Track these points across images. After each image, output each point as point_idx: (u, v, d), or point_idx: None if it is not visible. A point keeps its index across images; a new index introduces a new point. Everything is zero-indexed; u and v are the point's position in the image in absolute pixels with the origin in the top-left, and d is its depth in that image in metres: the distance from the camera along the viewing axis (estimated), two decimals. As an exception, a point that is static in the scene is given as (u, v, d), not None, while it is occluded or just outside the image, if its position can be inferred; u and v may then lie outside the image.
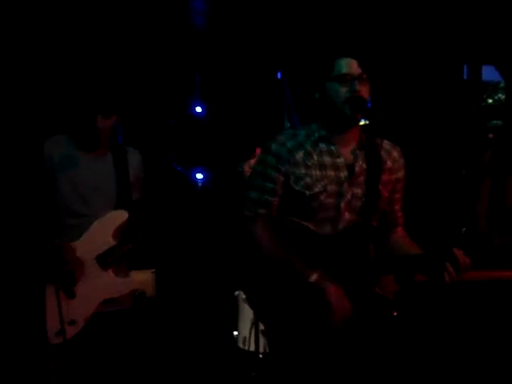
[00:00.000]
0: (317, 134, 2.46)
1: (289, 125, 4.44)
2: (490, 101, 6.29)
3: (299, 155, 2.43)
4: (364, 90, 2.37)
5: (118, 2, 4.27)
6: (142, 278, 3.07)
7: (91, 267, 2.67)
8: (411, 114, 4.46)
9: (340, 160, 2.45)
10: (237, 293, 3.74)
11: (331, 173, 2.43)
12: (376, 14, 4.33)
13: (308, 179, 2.42)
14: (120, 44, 4.44)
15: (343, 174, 2.44)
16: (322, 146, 2.45)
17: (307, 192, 2.41)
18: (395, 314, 2.90)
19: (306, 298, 2.36)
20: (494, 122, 5.01)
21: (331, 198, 2.43)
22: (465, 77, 4.66)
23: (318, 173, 2.42)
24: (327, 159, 2.44)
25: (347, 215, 2.43)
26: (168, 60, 4.69)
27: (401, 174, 2.57)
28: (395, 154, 2.55)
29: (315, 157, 2.43)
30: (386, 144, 2.54)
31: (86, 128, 2.70)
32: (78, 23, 4.18)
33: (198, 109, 4.73)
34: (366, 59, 2.39)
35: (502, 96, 6.15)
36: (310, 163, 2.43)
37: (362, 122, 2.49)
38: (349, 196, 2.43)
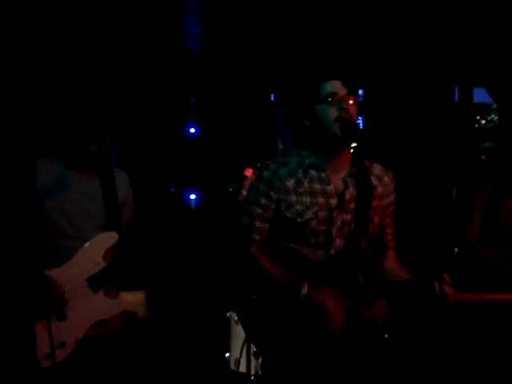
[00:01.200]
0: (307, 161, 2.48)
1: (282, 147, 4.48)
2: (483, 122, 6.34)
3: (290, 183, 2.46)
4: (352, 110, 2.39)
5: (113, 25, 4.31)
6: (133, 299, 3.06)
7: (81, 289, 2.67)
8: (403, 136, 4.50)
9: (330, 187, 2.47)
10: (228, 314, 3.74)
11: (321, 200, 2.45)
12: (367, 36, 4.38)
13: (299, 206, 2.44)
14: (114, 66, 4.49)
15: (333, 201, 2.46)
16: (313, 172, 2.47)
17: (298, 219, 2.44)
18: (386, 336, 2.90)
19: (301, 310, 2.37)
20: (487, 143, 5.05)
21: (322, 224, 2.45)
22: (456, 99, 4.71)
23: (308, 200, 2.45)
24: (317, 186, 2.47)
25: (338, 241, 2.46)
26: (162, 83, 4.73)
27: (391, 198, 2.58)
28: (386, 178, 2.56)
29: (306, 184, 2.46)
30: (377, 169, 2.55)
31: (78, 154, 2.71)
32: (73, 45, 4.23)
33: (192, 130, 4.78)
34: (351, 80, 2.42)
35: (494, 117, 6.19)
36: (301, 190, 2.45)
37: (353, 145, 2.51)
38: (339, 222, 2.45)
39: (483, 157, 4.58)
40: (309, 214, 2.44)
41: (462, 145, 4.68)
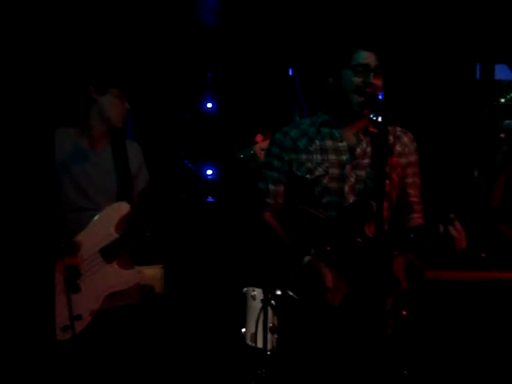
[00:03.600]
0: (320, 120, 2.50)
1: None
2: (503, 100, 6.25)
3: (302, 142, 2.48)
4: (378, 83, 2.39)
5: (134, 2, 4.30)
6: (151, 274, 3.06)
7: (95, 261, 2.66)
8: (424, 113, 4.43)
9: (342, 144, 2.47)
10: (245, 289, 3.74)
11: (332, 156, 2.46)
12: (391, 12, 4.31)
13: (309, 164, 2.46)
14: (132, 41, 4.46)
15: (345, 157, 2.45)
16: (325, 130, 2.49)
17: (308, 176, 2.45)
18: (405, 313, 2.89)
19: (304, 278, 2.38)
20: (507, 121, 4.97)
21: (334, 181, 2.44)
22: (477, 76, 4.63)
23: (319, 157, 2.46)
24: (329, 143, 2.47)
25: (352, 199, 2.43)
26: (179, 58, 4.70)
27: (412, 158, 2.55)
28: (405, 138, 2.55)
29: (317, 142, 2.47)
30: (396, 129, 2.54)
31: (80, 101, 2.70)
32: (91, 21, 4.20)
33: (209, 105, 4.74)
34: (384, 53, 2.41)
35: (515, 96, 6.10)
36: (311, 148, 2.47)
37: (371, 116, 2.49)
38: (352, 179, 2.44)
39: (502, 135, 4.52)
40: (319, 171, 2.44)
41: (483, 122, 4.62)
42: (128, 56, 4.16)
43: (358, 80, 2.37)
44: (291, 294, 2.42)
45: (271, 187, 2.52)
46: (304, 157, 2.46)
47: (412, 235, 2.31)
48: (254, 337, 3.67)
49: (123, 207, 2.71)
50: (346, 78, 2.40)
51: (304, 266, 2.35)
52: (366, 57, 2.38)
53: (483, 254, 3.65)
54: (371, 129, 2.43)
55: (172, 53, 4.68)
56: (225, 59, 4.70)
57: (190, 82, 4.80)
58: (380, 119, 2.34)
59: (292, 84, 4.47)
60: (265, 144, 3.27)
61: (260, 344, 3.62)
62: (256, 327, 3.61)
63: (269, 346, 3.56)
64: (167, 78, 4.71)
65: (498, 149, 3.57)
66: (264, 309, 3.13)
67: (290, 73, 4.46)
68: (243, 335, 3.77)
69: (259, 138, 3.40)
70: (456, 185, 4.31)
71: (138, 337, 2.80)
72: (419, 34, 4.40)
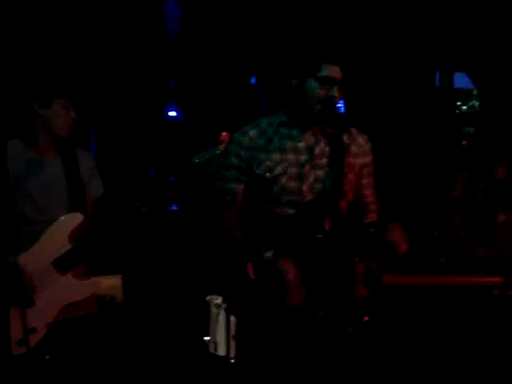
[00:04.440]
0: (278, 120, 2.52)
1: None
2: (465, 107, 6.37)
3: (260, 141, 2.50)
4: (339, 96, 2.45)
5: (92, 9, 4.27)
6: (110, 284, 3.03)
7: (48, 273, 2.62)
8: (384, 121, 4.49)
9: (301, 144, 2.50)
10: (208, 298, 3.74)
11: (291, 156, 2.49)
12: (353, 21, 4.36)
13: (268, 162, 2.48)
14: (95, 50, 4.44)
15: (304, 156, 2.49)
16: (283, 130, 2.51)
17: (267, 174, 2.47)
18: (366, 319, 2.91)
19: (264, 276, 2.39)
20: (468, 128, 5.06)
21: (293, 181, 2.48)
22: (437, 84, 4.71)
23: (278, 156, 2.48)
24: (287, 143, 2.50)
25: (310, 198, 2.47)
26: (142, 66, 4.69)
27: (368, 159, 2.60)
28: (361, 139, 2.59)
29: (276, 141, 2.50)
30: (352, 130, 2.58)
31: (23, 116, 2.66)
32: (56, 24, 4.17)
33: (172, 113, 4.73)
34: (347, 66, 2.47)
35: (476, 103, 6.23)
36: (270, 148, 2.49)
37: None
38: (311, 179, 2.48)
39: (464, 142, 4.60)
40: (278, 170, 2.47)
41: (444, 130, 4.69)
42: (80, 64, 4.13)
43: (321, 92, 2.41)
44: (249, 299, 2.43)
45: (230, 185, 2.53)
46: (263, 155, 2.49)
47: (372, 230, 2.38)
48: (217, 345, 3.67)
49: (76, 217, 2.68)
50: (309, 86, 2.44)
51: (265, 263, 2.37)
52: (332, 70, 2.42)
53: (442, 259, 3.71)
54: (328, 129, 2.47)
55: (135, 61, 4.67)
56: (188, 67, 4.70)
57: (153, 90, 4.79)
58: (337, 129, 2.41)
59: (255, 92, 4.48)
60: None
61: (222, 352, 3.63)
62: (219, 335, 3.62)
63: (231, 354, 3.57)
64: (130, 86, 4.69)
65: (458, 157, 3.65)
66: (226, 316, 3.13)
67: (253, 81, 4.48)
68: (206, 344, 3.77)
69: (225, 136, 3.40)
70: (417, 191, 4.37)
71: (96, 347, 2.77)
72: (380, 43, 4.46)
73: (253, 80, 4.49)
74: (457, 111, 5.28)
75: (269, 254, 2.38)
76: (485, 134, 3.49)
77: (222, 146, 3.26)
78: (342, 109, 4.76)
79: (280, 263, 2.35)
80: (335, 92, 2.41)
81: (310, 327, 2.42)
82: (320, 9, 4.20)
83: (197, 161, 3.31)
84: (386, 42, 4.47)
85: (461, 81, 4.79)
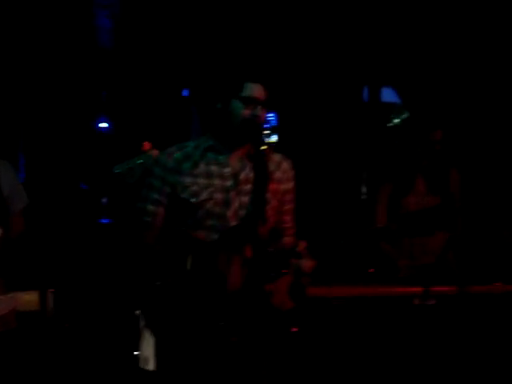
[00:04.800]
0: (205, 144, 2.53)
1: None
2: (397, 121, 6.55)
3: (186, 165, 2.49)
4: (264, 116, 2.49)
5: (22, 20, 4.21)
6: (29, 299, 2.97)
7: None
8: (314, 133, 4.57)
9: (227, 169, 2.51)
10: (138, 312, 3.70)
11: (217, 182, 2.49)
12: (279, 33, 4.43)
13: (194, 187, 2.48)
14: (25, 62, 4.37)
15: (229, 182, 2.50)
16: (210, 155, 2.52)
17: (193, 199, 2.47)
18: (295, 329, 2.95)
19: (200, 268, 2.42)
20: (395, 120, 5.18)
21: (218, 206, 2.48)
22: (365, 98, 4.84)
23: (204, 181, 2.48)
24: (214, 168, 2.51)
25: (234, 224, 2.48)
26: (73, 78, 4.63)
27: (290, 185, 2.63)
28: (285, 165, 2.62)
29: (202, 166, 2.50)
30: (276, 156, 2.61)
31: None
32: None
33: (104, 124, 4.69)
34: (272, 85, 2.50)
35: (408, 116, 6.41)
36: (196, 172, 2.49)
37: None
38: (236, 205, 2.49)
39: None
40: (204, 195, 2.47)
41: (371, 143, 4.82)
42: (12, 75, 4.06)
43: (246, 112, 2.43)
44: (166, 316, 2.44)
45: (150, 207, 2.52)
46: (188, 180, 2.48)
47: (290, 258, 2.42)
48: (146, 360, 3.64)
49: None
50: (234, 107, 2.45)
51: (187, 270, 2.40)
52: (256, 90, 2.44)
53: (371, 270, 3.79)
54: (254, 154, 2.49)
55: (66, 72, 4.61)
56: (120, 78, 4.67)
57: (84, 101, 4.73)
58: (262, 149, 2.44)
59: (187, 104, 4.49)
60: (155, 152, 3.25)
61: (152, 367, 3.60)
62: (147, 350, 3.59)
63: (160, 368, 3.55)
64: (61, 97, 4.63)
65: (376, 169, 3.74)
66: (152, 330, 3.11)
67: (185, 94, 4.49)
68: (136, 358, 3.73)
69: (147, 145, 3.38)
70: (344, 203, 4.46)
71: (17, 364, 2.71)
72: (309, 58, 4.55)
73: (185, 92, 4.50)
74: (388, 125, 5.41)
75: (189, 262, 2.41)
76: (406, 147, 3.58)
77: (145, 155, 3.24)
78: (274, 121, 4.84)
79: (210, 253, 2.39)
80: (259, 111, 2.44)
81: (224, 352, 2.45)
82: (244, 26, 4.25)
83: (118, 171, 3.27)
84: (317, 59, 4.56)
85: (388, 95, 4.93)
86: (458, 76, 4.71)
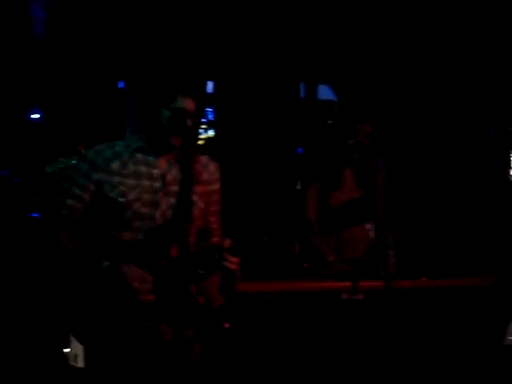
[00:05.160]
0: (135, 145, 2.51)
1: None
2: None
3: (115, 164, 2.47)
4: (194, 126, 2.49)
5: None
6: None
7: None
8: (250, 129, 4.59)
9: (156, 170, 2.51)
10: (67, 310, 3.64)
11: (146, 182, 2.48)
12: (218, 31, 4.42)
13: (122, 187, 2.45)
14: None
15: (158, 184, 2.49)
16: (139, 156, 2.50)
17: (120, 199, 2.45)
18: (227, 325, 2.95)
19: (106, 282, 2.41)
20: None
21: (146, 207, 2.47)
22: (301, 95, 4.89)
23: (132, 182, 2.47)
24: (143, 169, 2.49)
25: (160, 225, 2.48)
26: (6, 67, 4.51)
27: (217, 186, 2.65)
28: (212, 167, 2.63)
29: (131, 166, 2.48)
30: (204, 158, 2.63)
31: None
32: None
33: (36, 115, 4.59)
34: (202, 98, 2.55)
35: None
36: (125, 172, 2.47)
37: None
38: (164, 206, 2.49)
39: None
40: (132, 196, 2.46)
41: (308, 138, 4.87)
42: None
43: (175, 120, 2.44)
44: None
45: (69, 202, 2.48)
46: (117, 179, 2.46)
47: (216, 256, 2.41)
48: (76, 357, 3.59)
49: None
50: (164, 116, 2.45)
51: (104, 270, 2.38)
52: (187, 102, 2.46)
53: (305, 265, 3.82)
54: (181, 158, 2.50)
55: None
56: (53, 69, 4.56)
57: (16, 92, 4.61)
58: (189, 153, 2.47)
59: (123, 96, 4.43)
60: None
61: (81, 364, 3.55)
62: (77, 347, 3.53)
63: (88, 365, 3.50)
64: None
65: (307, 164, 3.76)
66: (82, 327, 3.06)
67: (121, 85, 4.43)
68: (66, 356, 3.67)
69: (80, 148, 3.33)
70: (279, 200, 4.49)
71: None
72: (247, 54, 4.56)
73: (120, 84, 4.44)
74: (329, 121, 5.47)
75: (106, 263, 2.39)
76: (335, 140, 3.60)
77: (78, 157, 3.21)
78: (211, 116, 4.84)
79: (121, 268, 2.37)
80: (189, 123, 2.45)
81: (157, 351, 2.45)
82: (180, 22, 4.22)
83: (50, 170, 3.22)
84: (255, 56, 4.57)
85: (324, 93, 4.99)
86: (388, 72, 4.81)
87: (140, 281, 2.38)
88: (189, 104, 2.46)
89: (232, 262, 2.39)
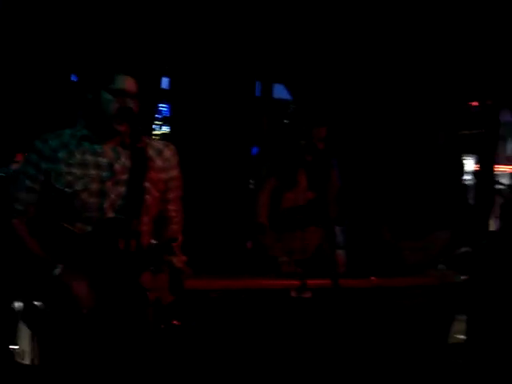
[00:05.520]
0: (80, 134, 2.48)
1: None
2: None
3: (62, 154, 2.44)
4: (135, 108, 2.45)
5: None
6: None
7: None
8: (206, 126, 4.58)
9: (103, 159, 2.47)
10: (16, 304, 3.57)
11: (93, 172, 2.44)
12: (174, 26, 4.39)
13: (69, 177, 2.42)
14: None
15: (105, 173, 2.45)
16: (86, 145, 2.47)
17: (67, 190, 2.42)
18: (176, 322, 2.94)
19: (54, 290, 2.38)
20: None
21: (94, 197, 2.43)
22: (257, 94, 4.90)
23: (79, 171, 2.43)
24: (90, 158, 2.46)
25: (111, 215, 2.44)
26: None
27: (174, 172, 2.59)
28: (167, 152, 2.57)
29: (78, 155, 2.44)
30: (157, 142, 2.58)
31: None
32: None
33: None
34: (144, 77, 2.49)
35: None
36: (72, 161, 2.43)
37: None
38: (113, 195, 2.44)
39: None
40: (79, 185, 2.42)
41: (262, 137, 4.90)
42: None
43: (116, 105, 2.40)
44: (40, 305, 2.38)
45: (22, 195, 2.44)
46: (63, 169, 2.42)
47: (164, 254, 2.42)
48: (24, 354, 3.52)
49: None
50: (104, 100, 2.42)
51: (54, 278, 2.35)
52: (127, 82, 2.42)
53: (249, 245, 3.81)
54: (130, 143, 2.46)
55: None
56: (4, 60, 4.45)
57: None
58: (137, 139, 2.41)
59: (76, 89, 4.35)
60: None
61: (28, 360, 3.49)
62: (24, 343, 3.47)
63: (35, 362, 3.44)
64: None
65: (262, 163, 3.76)
66: (28, 323, 3.00)
67: (74, 78, 4.35)
68: (13, 352, 3.60)
69: (20, 157, 3.27)
70: (232, 197, 4.50)
71: None
72: (204, 53, 4.54)
73: (73, 77, 4.37)
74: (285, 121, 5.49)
75: (57, 271, 2.36)
76: (290, 142, 3.62)
77: (14, 166, 3.16)
78: (167, 112, 4.82)
79: (67, 279, 2.35)
80: (130, 104, 2.41)
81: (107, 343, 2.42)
82: (127, 15, 4.18)
83: (1, 175, 3.16)
84: (212, 53, 4.56)
85: (280, 92, 5.03)
86: (342, 75, 4.86)
87: (84, 297, 2.35)
88: (129, 84, 2.42)
89: (179, 260, 2.38)
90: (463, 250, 4.16)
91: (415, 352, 3.48)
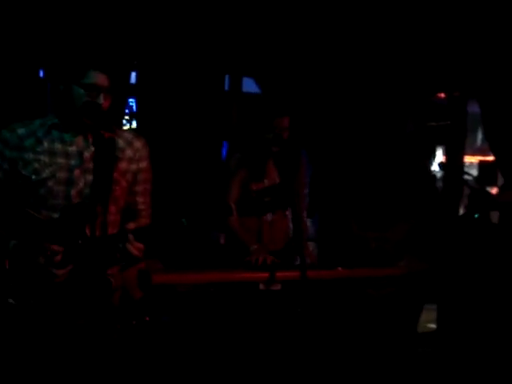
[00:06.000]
0: (50, 122, 2.50)
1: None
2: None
3: (29, 142, 2.46)
4: (106, 104, 2.48)
5: None
6: None
7: None
8: (174, 120, 4.57)
9: (72, 148, 2.49)
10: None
11: (61, 160, 2.47)
12: (143, 21, 4.37)
13: (36, 164, 2.44)
14: None
15: (74, 161, 2.48)
16: (55, 133, 2.49)
17: (34, 177, 2.43)
18: (147, 319, 2.95)
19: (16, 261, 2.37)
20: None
21: (61, 185, 2.46)
22: (226, 87, 4.91)
23: (46, 159, 2.45)
24: (58, 146, 2.48)
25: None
26: None
27: (144, 164, 2.62)
28: (138, 143, 2.61)
29: (46, 144, 2.47)
30: (128, 133, 2.62)
31: None
32: None
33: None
34: (116, 73, 2.49)
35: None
36: (39, 149, 2.46)
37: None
38: (81, 184, 2.47)
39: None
40: (46, 173, 2.44)
41: (231, 131, 4.90)
42: None
43: (87, 99, 2.42)
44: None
45: None
46: (31, 156, 2.44)
47: (121, 245, 2.42)
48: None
49: None
50: (75, 94, 2.43)
51: (12, 249, 2.36)
52: (98, 78, 2.44)
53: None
54: (95, 138, 2.46)
55: None
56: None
57: None
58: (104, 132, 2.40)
59: (44, 83, 4.32)
60: None
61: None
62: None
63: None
64: None
65: (231, 156, 3.79)
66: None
67: (41, 75, 4.31)
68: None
69: None
70: (200, 191, 4.50)
71: None
72: (172, 46, 4.52)
73: (41, 73, 4.32)
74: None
75: (13, 242, 2.35)
76: (255, 136, 3.64)
77: None
78: (134, 108, 4.78)
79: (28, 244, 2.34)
80: (102, 99, 2.43)
81: (71, 335, 2.45)
82: (98, 9, 4.15)
83: None
84: (180, 46, 4.55)
85: (249, 85, 5.02)
86: (310, 66, 4.88)
87: (47, 255, 2.32)
88: (100, 79, 2.44)
89: (135, 248, 2.39)
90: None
91: (385, 342, 3.52)
